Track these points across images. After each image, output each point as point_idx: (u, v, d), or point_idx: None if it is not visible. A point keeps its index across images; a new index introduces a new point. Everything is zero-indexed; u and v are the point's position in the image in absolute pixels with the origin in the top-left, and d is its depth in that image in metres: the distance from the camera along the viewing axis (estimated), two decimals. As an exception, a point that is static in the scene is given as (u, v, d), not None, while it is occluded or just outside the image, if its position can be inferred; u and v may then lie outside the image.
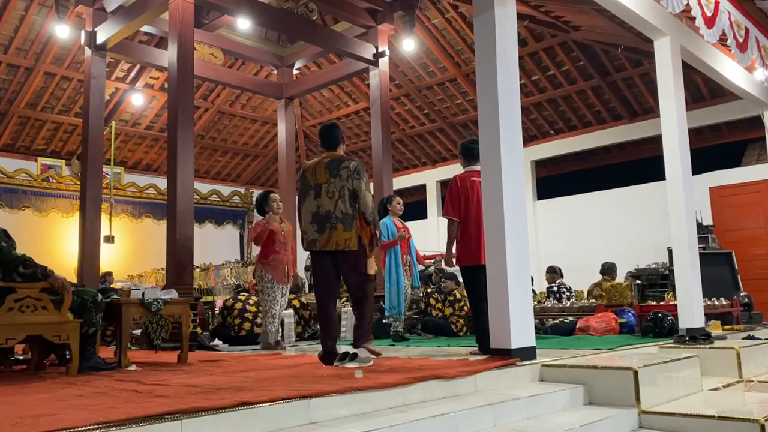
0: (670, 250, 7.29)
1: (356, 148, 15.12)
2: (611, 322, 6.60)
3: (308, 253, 4.47)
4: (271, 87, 10.70)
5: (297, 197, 4.63)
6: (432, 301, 7.67)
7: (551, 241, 11.87)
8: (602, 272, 8.63)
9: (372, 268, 4.38)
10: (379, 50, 9.10)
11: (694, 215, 6.40)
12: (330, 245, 4.23)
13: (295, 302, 7.71)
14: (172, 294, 4.90)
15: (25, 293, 3.88)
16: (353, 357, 4.02)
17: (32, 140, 12.45)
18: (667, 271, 8.58)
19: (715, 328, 6.49)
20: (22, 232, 8.75)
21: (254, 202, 6.61)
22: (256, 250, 13.17)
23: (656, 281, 8.81)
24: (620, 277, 8.87)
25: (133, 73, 12.02)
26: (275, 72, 10.81)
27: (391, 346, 6.10)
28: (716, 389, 4.25)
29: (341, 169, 4.26)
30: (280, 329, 6.31)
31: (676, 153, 6.13)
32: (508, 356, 3.88)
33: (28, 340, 4.13)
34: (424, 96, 13.02)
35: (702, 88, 10.60)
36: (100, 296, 4.37)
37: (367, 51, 9.07)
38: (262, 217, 6.46)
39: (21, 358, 4.83)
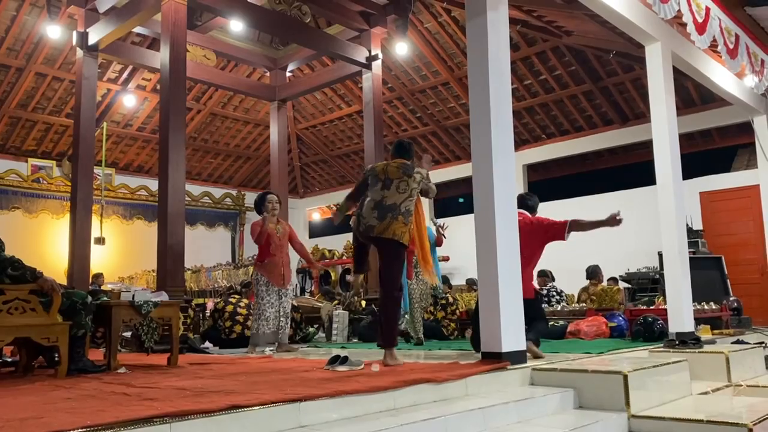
0: (660, 255, 7.32)
1: (349, 151, 15.13)
2: (602, 326, 6.62)
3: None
4: (263, 89, 10.69)
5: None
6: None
7: (543, 244, 11.87)
8: (588, 277, 8.66)
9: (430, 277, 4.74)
10: (372, 53, 9.11)
11: (684, 220, 6.43)
12: (387, 233, 4.32)
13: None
14: (163, 296, 4.87)
15: (13, 295, 3.85)
16: (344, 360, 4.01)
17: (23, 141, 12.37)
18: (657, 276, 8.62)
19: (705, 333, 6.52)
20: (12, 234, 8.73)
21: (254, 202, 6.57)
22: (249, 251, 13.21)
23: (647, 285, 8.85)
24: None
25: (125, 75, 11.98)
26: (268, 74, 10.80)
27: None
28: (705, 393, 4.27)
29: (415, 173, 4.52)
30: (283, 331, 6.25)
31: (666, 158, 6.16)
32: (498, 360, 3.88)
33: (16, 342, 4.10)
34: (416, 99, 13.04)
35: (693, 93, 10.66)
36: (89, 298, 4.34)
37: (360, 54, 9.08)
38: (260, 217, 6.42)
39: (9, 360, 4.80)
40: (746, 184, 10.22)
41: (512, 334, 4.02)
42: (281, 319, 6.19)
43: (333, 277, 12.95)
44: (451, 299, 7.51)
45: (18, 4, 9.98)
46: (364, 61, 9.09)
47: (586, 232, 5.15)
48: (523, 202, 5.12)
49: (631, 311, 6.92)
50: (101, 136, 10.70)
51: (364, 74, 9.25)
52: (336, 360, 4.03)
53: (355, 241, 4.77)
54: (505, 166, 4.19)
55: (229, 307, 7.26)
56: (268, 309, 6.14)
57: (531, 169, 13.20)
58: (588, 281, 8.65)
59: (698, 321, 6.60)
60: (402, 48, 10.73)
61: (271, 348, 6.22)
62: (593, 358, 4.64)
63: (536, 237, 4.86)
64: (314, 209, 17.40)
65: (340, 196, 16.47)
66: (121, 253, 12.33)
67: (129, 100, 12.38)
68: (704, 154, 11.52)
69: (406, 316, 6.79)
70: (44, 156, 12.66)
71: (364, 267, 4.88)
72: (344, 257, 12.28)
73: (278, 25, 8.42)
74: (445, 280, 7.73)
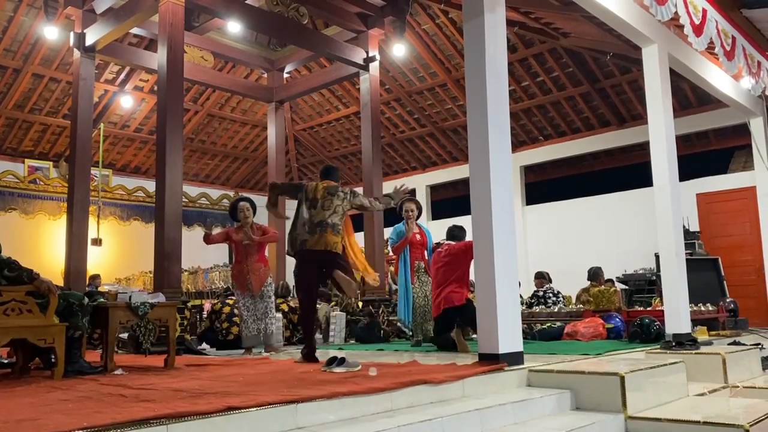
0: (657, 256, 7.32)
1: (346, 152, 15.13)
2: (599, 328, 6.63)
3: (293, 257, 5.13)
4: (261, 90, 10.69)
5: (297, 203, 5.22)
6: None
7: (540, 246, 11.90)
8: (590, 278, 8.67)
9: (368, 277, 5.16)
10: (370, 55, 9.11)
11: (681, 221, 6.45)
12: (319, 245, 4.94)
13: (284, 306, 7.69)
14: (160, 298, 4.86)
15: (10, 296, 3.84)
16: (341, 362, 4.01)
17: (20, 142, 12.35)
18: (654, 277, 8.63)
19: (702, 334, 6.54)
20: (8, 235, 8.69)
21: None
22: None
23: (643, 287, 8.87)
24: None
25: (122, 76, 11.96)
26: (265, 75, 10.79)
27: (380, 351, 6.09)
28: (702, 395, 4.28)
29: (339, 191, 5.15)
30: (265, 333, 6.22)
31: (663, 159, 6.18)
32: (495, 361, 3.89)
33: (13, 343, 4.10)
34: (414, 101, 13.05)
35: (689, 95, 10.68)
36: (86, 299, 4.34)
37: (358, 55, 9.08)
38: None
39: (5, 361, 4.78)
40: (743, 185, 10.26)
41: (509, 336, 4.03)
42: (258, 322, 6.18)
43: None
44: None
45: (15, 5, 9.96)
46: (361, 62, 9.08)
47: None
48: (451, 234, 6.05)
49: (628, 312, 6.93)
50: (98, 137, 10.69)
51: (361, 76, 9.25)
52: (333, 361, 4.03)
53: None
54: (502, 168, 4.20)
55: (227, 309, 7.24)
56: (245, 312, 6.21)
57: (528, 170, 13.22)
58: (589, 282, 8.66)
59: (695, 322, 6.62)
60: (399, 49, 10.74)
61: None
62: (590, 359, 4.65)
63: (462, 259, 5.69)
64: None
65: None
66: (118, 255, 12.30)
67: (126, 101, 12.35)
68: (701, 156, 11.53)
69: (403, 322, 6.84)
70: (41, 157, 12.62)
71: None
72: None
73: (276, 26, 8.41)
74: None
